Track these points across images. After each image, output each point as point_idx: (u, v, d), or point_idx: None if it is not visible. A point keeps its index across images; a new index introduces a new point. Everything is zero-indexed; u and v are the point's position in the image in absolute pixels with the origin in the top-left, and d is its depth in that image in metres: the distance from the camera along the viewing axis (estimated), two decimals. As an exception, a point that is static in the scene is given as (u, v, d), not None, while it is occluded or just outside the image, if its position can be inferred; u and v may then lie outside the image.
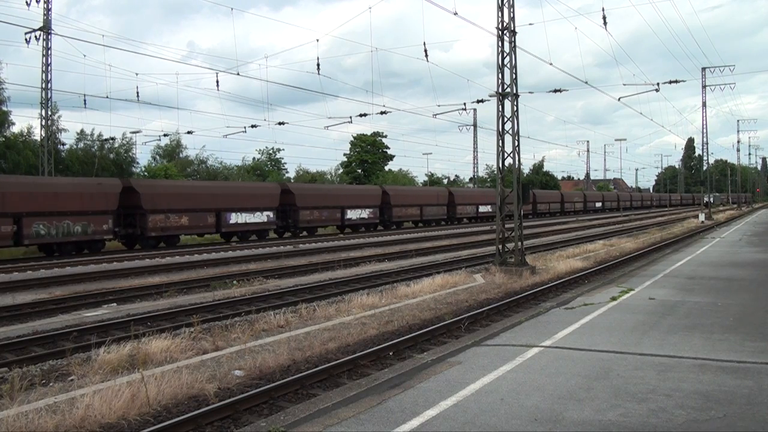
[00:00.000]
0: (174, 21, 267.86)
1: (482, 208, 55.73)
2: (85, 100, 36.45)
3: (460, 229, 42.72)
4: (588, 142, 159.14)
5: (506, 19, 17.70)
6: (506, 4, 17.68)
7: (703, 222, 45.85)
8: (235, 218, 31.68)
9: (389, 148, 75.32)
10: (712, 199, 60.64)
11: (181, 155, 60.31)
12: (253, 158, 71.32)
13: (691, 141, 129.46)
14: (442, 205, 50.20)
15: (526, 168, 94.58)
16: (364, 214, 41.09)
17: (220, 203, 30.81)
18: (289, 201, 34.95)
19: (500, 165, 18.25)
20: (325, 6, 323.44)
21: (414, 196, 47.86)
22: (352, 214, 39.80)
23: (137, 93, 34.08)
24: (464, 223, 52.26)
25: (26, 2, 30.59)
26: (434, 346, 9.49)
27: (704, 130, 52.20)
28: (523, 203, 18.43)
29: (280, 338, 9.74)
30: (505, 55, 17.81)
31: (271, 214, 33.75)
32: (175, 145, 59.63)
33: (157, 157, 59.32)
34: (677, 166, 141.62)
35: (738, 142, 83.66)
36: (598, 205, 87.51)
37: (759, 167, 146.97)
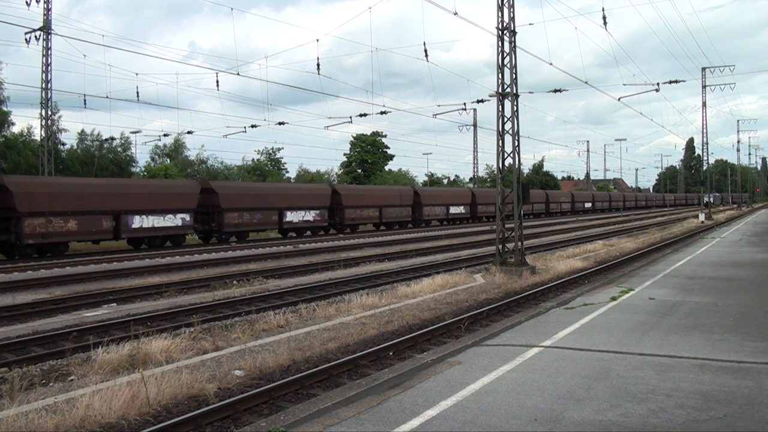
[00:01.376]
0: (175, 21, 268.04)
1: (453, 209, 51.48)
2: (85, 100, 36.41)
3: (460, 230, 42.70)
4: (588, 142, 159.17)
5: (506, 19, 17.70)
6: (506, 4, 17.69)
7: (703, 222, 45.86)
8: (140, 222, 27.37)
9: (389, 148, 75.46)
10: (712, 199, 60.64)
11: (182, 155, 60.36)
12: (253, 159, 71.42)
13: (691, 141, 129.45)
14: (405, 206, 45.59)
15: (526, 168, 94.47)
16: (309, 216, 36.47)
17: (118, 204, 26.39)
18: (212, 201, 30.89)
19: (500, 165, 18.26)
20: (326, 6, 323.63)
21: (371, 196, 42.69)
22: (293, 217, 35.28)
23: (137, 93, 34.13)
24: (433, 226, 47.83)
25: (26, 2, 30.61)
26: (434, 346, 9.49)
27: (704, 130, 52.27)
28: (523, 203, 18.43)
29: (280, 338, 9.74)
30: (505, 55, 17.82)
31: (187, 216, 29.31)
32: (176, 145, 59.71)
33: (156, 157, 59.40)
34: (677, 166, 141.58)
35: (738, 142, 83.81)
36: (588, 205, 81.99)
37: (759, 167, 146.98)
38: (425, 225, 47.55)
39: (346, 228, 40.09)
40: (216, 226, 31.19)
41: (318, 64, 27.76)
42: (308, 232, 37.39)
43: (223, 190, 31.69)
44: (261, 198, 33.64)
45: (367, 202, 41.61)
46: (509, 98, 17.89)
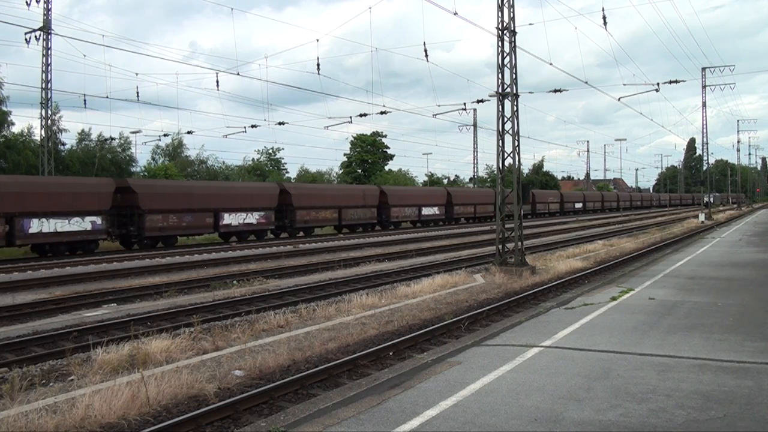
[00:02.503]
0: (176, 21, 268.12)
1: (427, 210, 47.82)
2: (85, 100, 36.39)
3: (460, 230, 42.69)
4: (588, 142, 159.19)
5: (506, 19, 17.70)
6: (506, 5, 17.69)
7: (703, 222, 45.86)
8: (38, 226, 23.93)
9: (389, 148, 75.46)
10: (712, 199, 60.64)
11: (182, 155, 60.41)
12: (253, 159, 71.46)
13: (692, 141, 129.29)
14: (370, 206, 41.79)
15: (526, 168, 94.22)
16: (252, 218, 32.92)
17: (8, 206, 23.15)
18: (131, 202, 27.48)
19: (500, 165, 18.26)
20: (327, 6, 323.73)
21: (328, 196, 38.88)
22: (232, 219, 31.80)
23: (137, 93, 34.13)
24: (402, 228, 44.87)
25: (26, 2, 30.62)
26: (434, 346, 9.49)
27: (704, 130, 52.28)
28: (523, 203, 18.43)
29: (280, 338, 9.74)
30: (505, 55, 17.82)
31: (98, 219, 25.95)
32: (176, 144, 59.74)
33: (157, 157, 59.44)
34: (677, 166, 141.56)
35: (738, 142, 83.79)
36: (578, 206, 77.11)
37: (759, 167, 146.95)
38: (393, 227, 44.16)
39: (299, 231, 36.52)
40: (136, 230, 27.66)
41: (318, 64, 27.78)
42: (253, 236, 33.69)
43: (143, 189, 28.28)
44: (191, 198, 30.03)
45: (323, 202, 37.59)
46: (509, 98, 17.89)
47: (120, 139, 48.03)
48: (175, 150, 60.35)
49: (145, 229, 27.72)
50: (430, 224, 47.85)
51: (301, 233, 36.75)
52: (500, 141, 18.07)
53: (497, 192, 18.77)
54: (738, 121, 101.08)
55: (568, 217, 65.00)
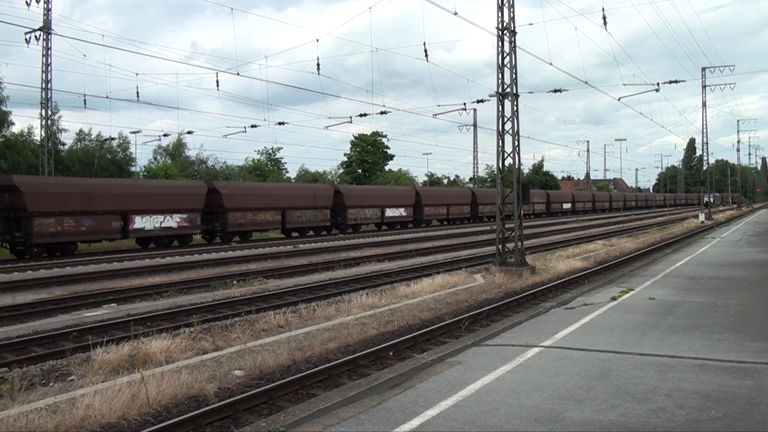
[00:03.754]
0: (178, 21, 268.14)
1: (391, 212, 43.44)
2: (85, 100, 36.40)
3: (460, 230, 42.69)
4: (588, 142, 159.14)
5: (506, 19, 17.70)
6: (506, 4, 17.69)
7: (703, 222, 45.87)
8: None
9: (389, 148, 75.54)
10: (712, 199, 60.65)
11: (183, 155, 60.42)
12: (253, 159, 71.49)
13: (692, 141, 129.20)
14: (323, 208, 37.54)
15: (526, 168, 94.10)
16: (172, 221, 28.75)
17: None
18: (17, 203, 23.56)
19: (500, 165, 18.26)
20: (328, 6, 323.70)
21: (270, 196, 34.94)
22: (145, 223, 27.62)
23: (137, 93, 34.13)
24: (362, 232, 40.38)
25: (26, 2, 30.62)
26: (434, 346, 9.49)
27: (704, 130, 52.27)
28: (522, 203, 18.44)
29: (280, 338, 9.74)
30: (505, 55, 17.82)
31: None
32: (177, 145, 59.75)
33: (158, 157, 59.47)
34: (677, 166, 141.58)
35: (738, 142, 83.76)
36: (567, 206, 72.56)
37: (759, 167, 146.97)
38: (352, 230, 40.10)
39: (233, 235, 32.46)
40: (22, 236, 23.59)
41: (318, 65, 27.77)
42: (175, 241, 29.78)
43: (29, 188, 23.92)
44: (93, 198, 25.81)
45: (262, 203, 33.59)
46: (509, 98, 17.89)
47: (119, 139, 48.05)
48: (176, 150, 60.35)
49: (33, 234, 23.38)
50: (396, 227, 44.01)
51: (237, 237, 32.83)
52: (500, 141, 18.07)
53: (497, 192, 18.77)
54: (738, 121, 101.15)
55: (568, 218, 64.89)
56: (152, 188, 30.25)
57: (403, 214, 45.03)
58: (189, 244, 30.08)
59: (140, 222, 27.52)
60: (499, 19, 17.73)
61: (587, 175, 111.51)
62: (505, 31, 17.78)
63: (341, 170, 75.63)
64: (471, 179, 73.65)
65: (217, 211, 31.28)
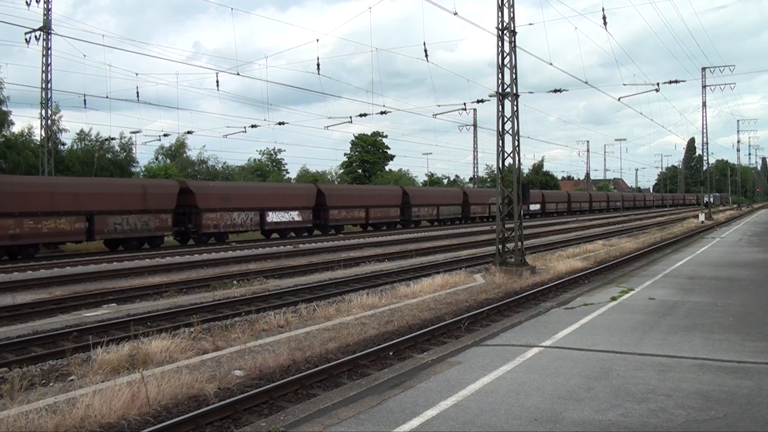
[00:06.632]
0: (180, 21, 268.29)
1: (376, 212, 41.66)
2: (85, 100, 36.42)
3: (460, 230, 42.67)
4: (588, 142, 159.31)
5: (506, 19, 17.70)
6: (506, 5, 17.69)
7: (703, 222, 45.88)
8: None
9: (389, 149, 75.53)
10: (712, 199, 60.64)
11: (184, 155, 60.43)
12: (254, 159, 71.52)
13: (692, 141, 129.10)
14: (304, 208, 35.54)
15: (526, 168, 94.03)
16: (140, 222, 26.68)
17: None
18: None
19: (500, 165, 18.26)
20: (330, 6, 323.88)
21: (248, 196, 32.69)
22: (113, 224, 25.70)
23: (137, 93, 34.11)
24: (361, 233, 39.24)
25: (26, 2, 30.61)
26: (434, 346, 9.49)
27: (704, 130, 52.30)
28: (522, 203, 18.44)
29: (280, 338, 9.74)
30: (505, 55, 17.82)
31: None
32: (178, 145, 59.76)
33: (160, 157, 59.47)
34: (678, 166, 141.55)
35: (738, 142, 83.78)
36: (562, 206, 70.31)
37: (759, 167, 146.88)
38: (335, 231, 38.55)
39: (208, 237, 29.95)
40: None
41: (318, 65, 27.80)
42: (134, 244, 27.55)
43: None
44: (54, 199, 24.16)
45: (240, 203, 31.50)
46: (509, 98, 17.89)
47: (120, 139, 48.02)
48: (177, 150, 60.35)
49: None
50: (382, 228, 42.52)
51: (214, 240, 30.51)
52: (500, 141, 18.07)
53: (498, 192, 18.77)
54: (738, 121, 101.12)
55: (569, 218, 64.85)
56: (118, 187, 28.05)
57: (390, 214, 43.49)
58: (160, 246, 28.44)
59: (107, 223, 25.85)
60: (499, 19, 17.73)
61: (587, 175, 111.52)
62: (505, 31, 17.78)
63: (341, 170, 75.70)
64: (471, 179, 73.69)
65: (190, 212, 29.62)
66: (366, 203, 41.04)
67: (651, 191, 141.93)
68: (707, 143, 52.88)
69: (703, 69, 48.10)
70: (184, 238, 30.70)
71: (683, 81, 39.59)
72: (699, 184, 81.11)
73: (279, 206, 34.01)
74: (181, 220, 29.46)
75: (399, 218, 44.56)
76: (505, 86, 17.89)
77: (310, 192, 37.08)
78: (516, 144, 18.02)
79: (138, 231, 26.96)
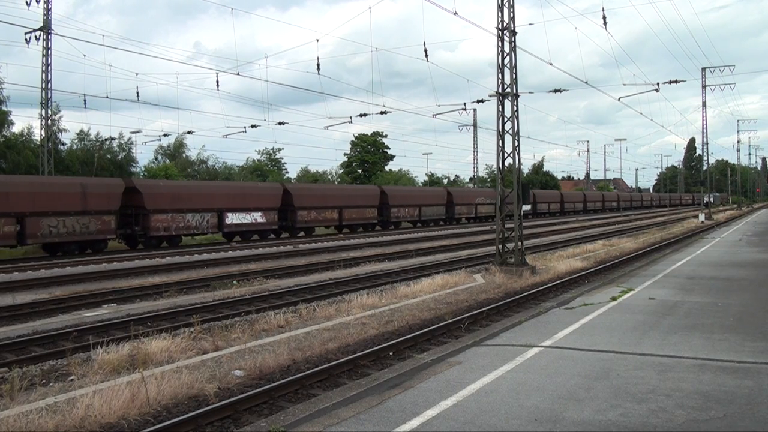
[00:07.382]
0: (181, 21, 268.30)
1: (350, 213, 39.52)
2: (85, 100, 36.41)
3: (460, 229, 42.67)
4: (588, 142, 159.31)
5: (506, 19, 17.70)
6: (506, 5, 17.68)
7: (703, 222, 45.88)
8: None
9: (389, 149, 75.52)
10: (712, 199, 60.63)
11: (184, 155, 60.43)
12: (253, 159, 71.49)
13: (692, 141, 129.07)
14: (268, 209, 33.45)
15: (526, 168, 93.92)
16: (79, 225, 24.44)
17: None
18: None
19: (500, 165, 18.26)
20: (331, 6, 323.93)
21: (204, 196, 30.38)
22: (47, 227, 23.58)
23: (137, 93, 34.10)
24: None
25: (26, 2, 30.61)
26: (434, 346, 9.49)
27: (704, 130, 52.30)
28: (522, 203, 18.44)
29: (280, 338, 9.74)
30: (505, 55, 17.81)
31: None
32: (178, 145, 59.76)
33: (159, 157, 59.47)
34: (678, 166, 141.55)
35: (738, 142, 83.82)
36: (555, 207, 67.83)
37: (759, 167, 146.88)
38: (305, 234, 36.80)
39: (158, 240, 28.20)
40: None
41: (318, 65, 27.82)
42: (88, 249, 25.72)
43: None
44: None
45: (195, 204, 29.43)
46: (509, 98, 17.89)
47: (120, 139, 48.02)
48: (176, 150, 60.34)
49: None
50: (358, 230, 40.52)
51: (167, 244, 28.58)
52: (500, 141, 18.06)
53: (497, 192, 18.77)
54: (738, 121, 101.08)
55: (568, 218, 64.80)
56: (53, 187, 25.01)
57: (366, 215, 41.00)
58: (103, 250, 26.11)
59: (41, 226, 23.33)
60: (499, 19, 17.73)
61: (587, 175, 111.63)
62: (505, 31, 17.77)
63: (341, 170, 75.69)
64: (471, 179, 73.66)
65: (137, 213, 27.23)
66: (339, 203, 38.64)
67: (651, 191, 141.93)
68: (707, 143, 52.94)
69: (703, 69, 48.15)
70: (132, 242, 28.27)
71: (683, 81, 39.58)
72: (699, 184, 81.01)
73: (240, 207, 31.75)
74: (127, 222, 27.11)
75: (377, 219, 42.22)
76: (505, 86, 17.88)
77: (275, 192, 34.72)
78: (516, 144, 18.02)
79: (77, 234, 24.46)
